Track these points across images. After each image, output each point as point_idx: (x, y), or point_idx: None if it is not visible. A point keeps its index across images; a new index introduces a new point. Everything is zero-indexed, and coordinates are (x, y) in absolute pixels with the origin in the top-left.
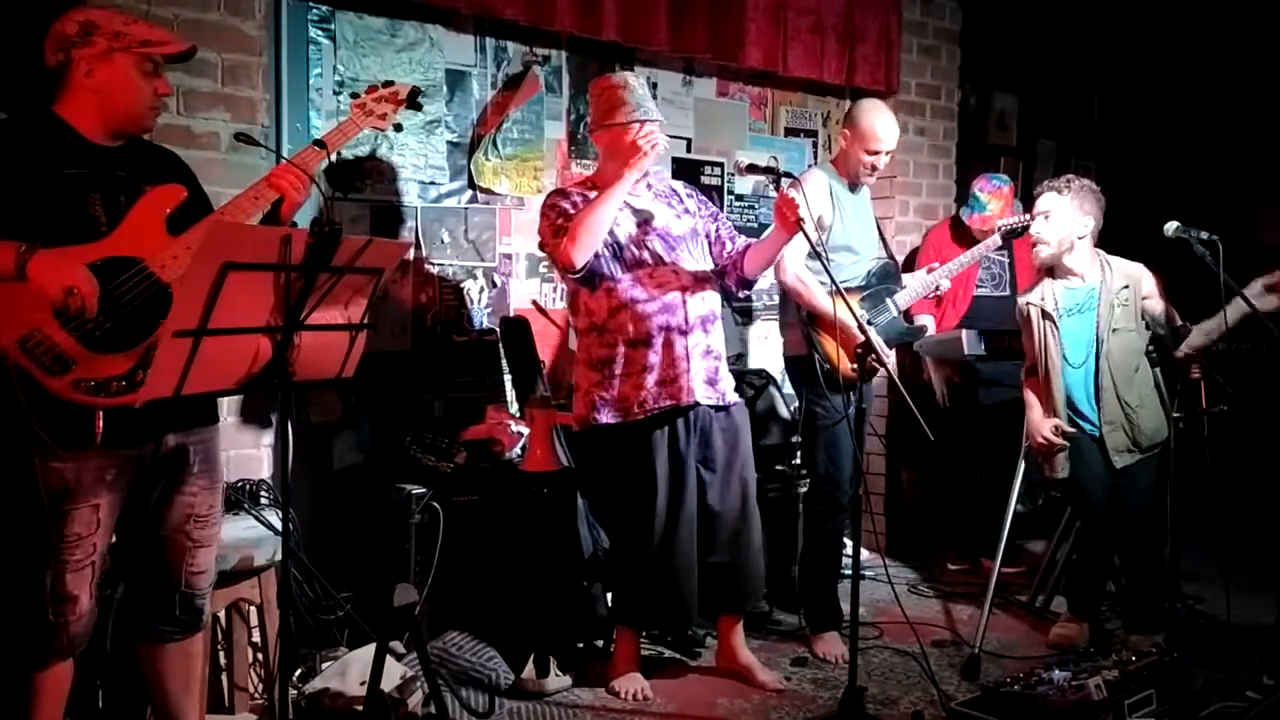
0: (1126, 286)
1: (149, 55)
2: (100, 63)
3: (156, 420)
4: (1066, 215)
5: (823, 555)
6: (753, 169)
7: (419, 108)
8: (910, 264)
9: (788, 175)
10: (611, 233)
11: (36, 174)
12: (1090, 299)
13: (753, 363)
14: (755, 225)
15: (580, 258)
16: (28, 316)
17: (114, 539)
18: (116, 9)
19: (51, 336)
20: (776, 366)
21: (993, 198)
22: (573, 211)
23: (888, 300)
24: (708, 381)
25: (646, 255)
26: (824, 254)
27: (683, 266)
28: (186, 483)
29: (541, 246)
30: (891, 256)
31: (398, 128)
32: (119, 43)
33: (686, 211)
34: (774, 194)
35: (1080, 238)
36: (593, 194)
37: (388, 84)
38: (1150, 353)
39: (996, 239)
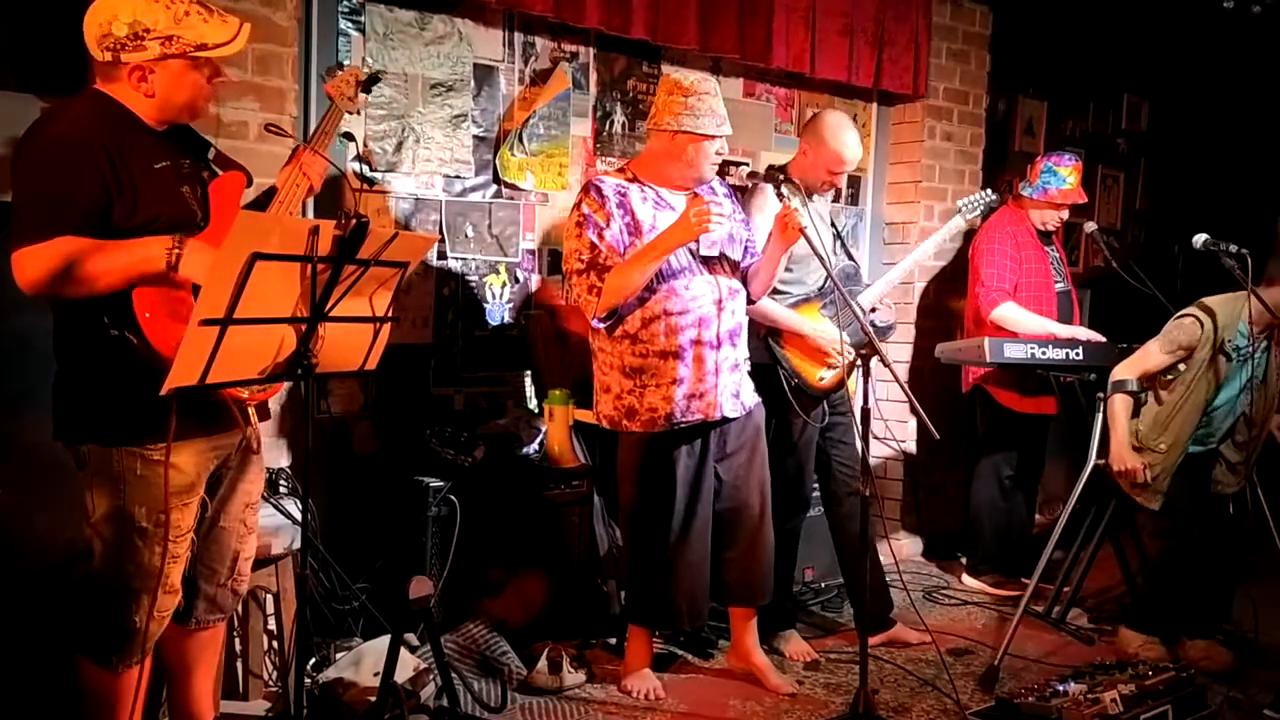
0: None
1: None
2: (154, 67)
3: (248, 409)
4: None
5: (783, 553)
6: (753, 176)
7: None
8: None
9: (790, 182)
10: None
11: (135, 165)
12: (1248, 348)
13: None
14: None
15: (608, 312)
16: (175, 301)
17: None
18: None
19: None
20: None
21: (1073, 171)
22: (610, 245)
23: (851, 303)
24: (734, 394)
25: (683, 263)
26: (827, 260)
27: (717, 276)
28: (247, 470)
29: (566, 275)
30: (851, 258)
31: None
32: (173, 47)
33: (725, 214)
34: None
35: None
36: (633, 187)
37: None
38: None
39: (961, 220)
